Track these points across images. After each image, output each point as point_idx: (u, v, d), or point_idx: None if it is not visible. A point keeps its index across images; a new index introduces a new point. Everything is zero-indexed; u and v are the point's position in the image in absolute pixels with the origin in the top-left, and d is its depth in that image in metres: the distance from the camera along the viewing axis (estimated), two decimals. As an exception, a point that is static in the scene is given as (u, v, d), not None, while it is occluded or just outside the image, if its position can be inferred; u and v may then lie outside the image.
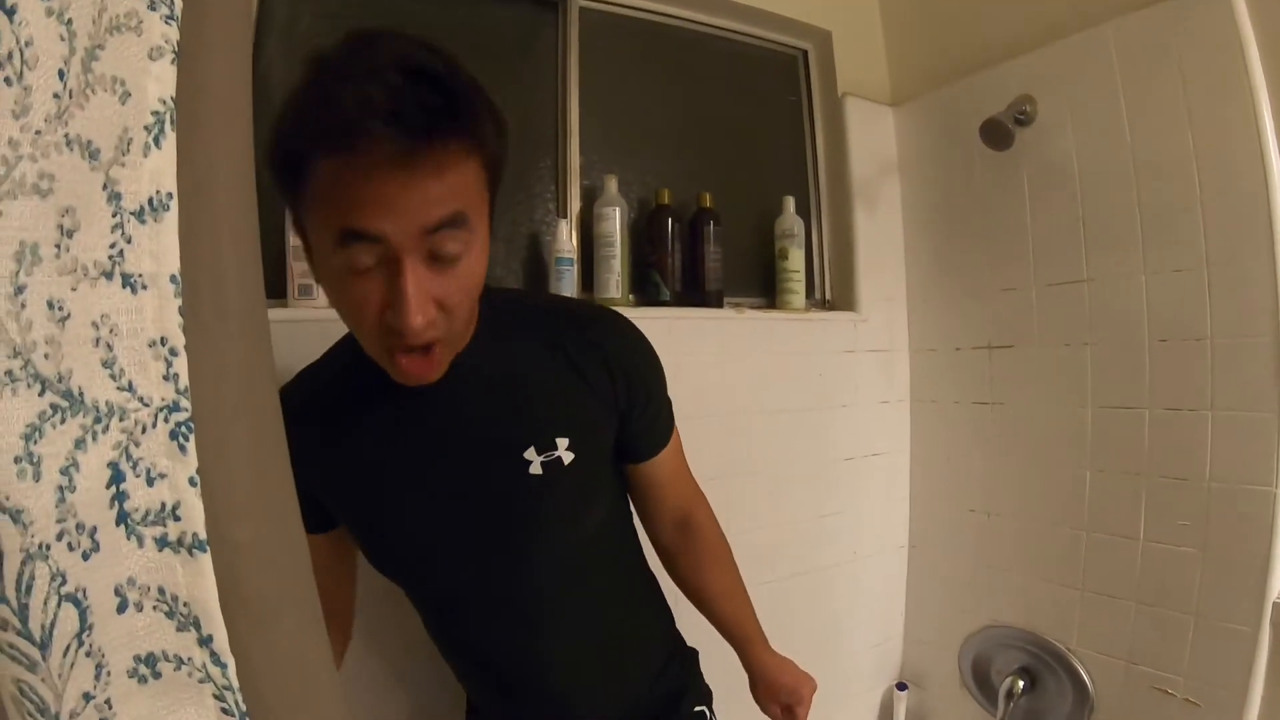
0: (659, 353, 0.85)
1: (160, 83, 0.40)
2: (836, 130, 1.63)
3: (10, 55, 0.33)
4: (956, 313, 1.62)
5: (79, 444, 0.37)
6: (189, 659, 0.39)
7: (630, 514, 0.94)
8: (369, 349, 0.67)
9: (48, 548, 0.35)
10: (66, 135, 0.36)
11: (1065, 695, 1.40)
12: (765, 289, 1.57)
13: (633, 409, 0.81)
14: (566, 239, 1.27)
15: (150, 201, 0.40)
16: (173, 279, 0.40)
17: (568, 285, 1.27)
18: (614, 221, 1.30)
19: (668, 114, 1.50)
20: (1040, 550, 1.47)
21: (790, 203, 1.53)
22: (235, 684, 0.40)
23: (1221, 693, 1.22)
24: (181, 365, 0.40)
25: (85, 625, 0.36)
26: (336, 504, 0.81)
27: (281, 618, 0.43)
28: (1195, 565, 1.25)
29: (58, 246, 0.36)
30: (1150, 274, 1.28)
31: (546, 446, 0.75)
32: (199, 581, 0.39)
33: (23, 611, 0.34)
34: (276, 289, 1.14)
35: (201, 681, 0.39)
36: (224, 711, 0.40)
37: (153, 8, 0.40)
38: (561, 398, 0.77)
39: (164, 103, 0.40)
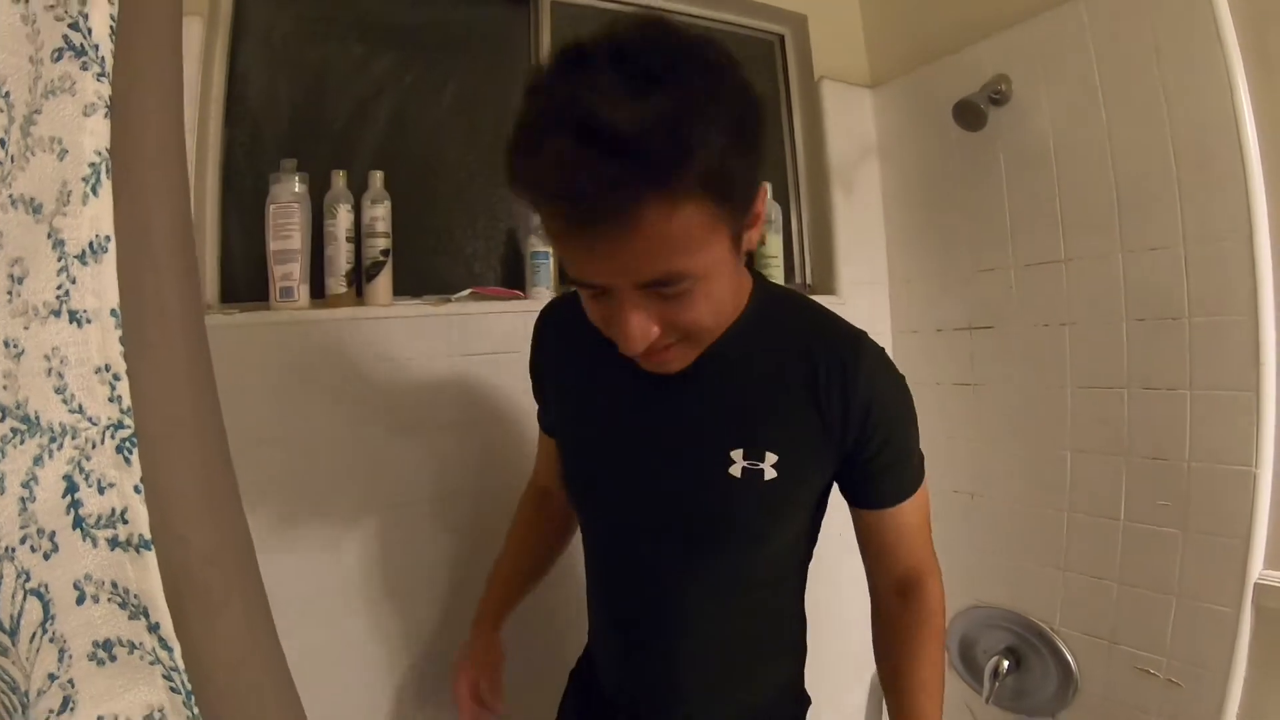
0: None
1: (95, 136, 0.47)
2: (813, 114, 1.67)
3: (-46, 134, 0.39)
4: (937, 294, 1.66)
5: (37, 460, 0.44)
6: (140, 644, 0.47)
7: (809, 554, 0.93)
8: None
9: (13, 550, 0.42)
10: (10, 196, 0.43)
11: (1050, 675, 1.46)
12: (747, 275, 1.62)
13: (862, 448, 0.79)
14: (541, 234, 1.33)
15: (91, 245, 0.47)
16: (113, 313, 0.47)
17: (544, 278, 1.33)
18: (587, 215, 1.35)
19: (644, 104, 1.54)
20: (1023, 531, 1.52)
21: (766, 189, 1.56)
22: (181, 665, 0.47)
23: (1203, 674, 1.26)
24: (124, 388, 0.47)
25: (48, 615, 0.44)
26: (556, 415, 0.94)
27: (229, 606, 0.50)
28: (1176, 546, 1.28)
29: (9, 293, 0.43)
30: (1127, 252, 1.31)
31: (754, 455, 0.77)
32: (146, 575, 0.46)
33: (-9, 605, 0.41)
34: (259, 292, 1.21)
35: (152, 663, 0.47)
36: (171, 690, 0.47)
37: (85, 67, 0.46)
38: (789, 415, 0.78)
39: (99, 154, 0.47)
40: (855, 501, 0.85)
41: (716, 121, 0.57)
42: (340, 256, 1.24)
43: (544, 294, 1.33)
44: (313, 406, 1.16)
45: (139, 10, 0.48)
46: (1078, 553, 1.43)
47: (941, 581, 0.90)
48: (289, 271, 1.21)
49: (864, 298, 1.70)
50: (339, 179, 1.24)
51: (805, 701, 0.98)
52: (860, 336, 0.81)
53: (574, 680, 1.05)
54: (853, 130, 1.69)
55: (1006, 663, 1.51)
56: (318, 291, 1.24)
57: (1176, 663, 1.30)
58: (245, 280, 1.23)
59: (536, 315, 0.97)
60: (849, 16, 1.71)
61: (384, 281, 1.26)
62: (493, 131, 1.39)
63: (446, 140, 1.36)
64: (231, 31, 1.18)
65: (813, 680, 0.95)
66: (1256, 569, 1.20)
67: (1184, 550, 1.28)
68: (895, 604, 0.89)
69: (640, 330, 0.65)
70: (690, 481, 0.79)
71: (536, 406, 1.02)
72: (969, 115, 1.34)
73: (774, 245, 1.56)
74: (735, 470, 0.77)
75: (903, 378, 0.83)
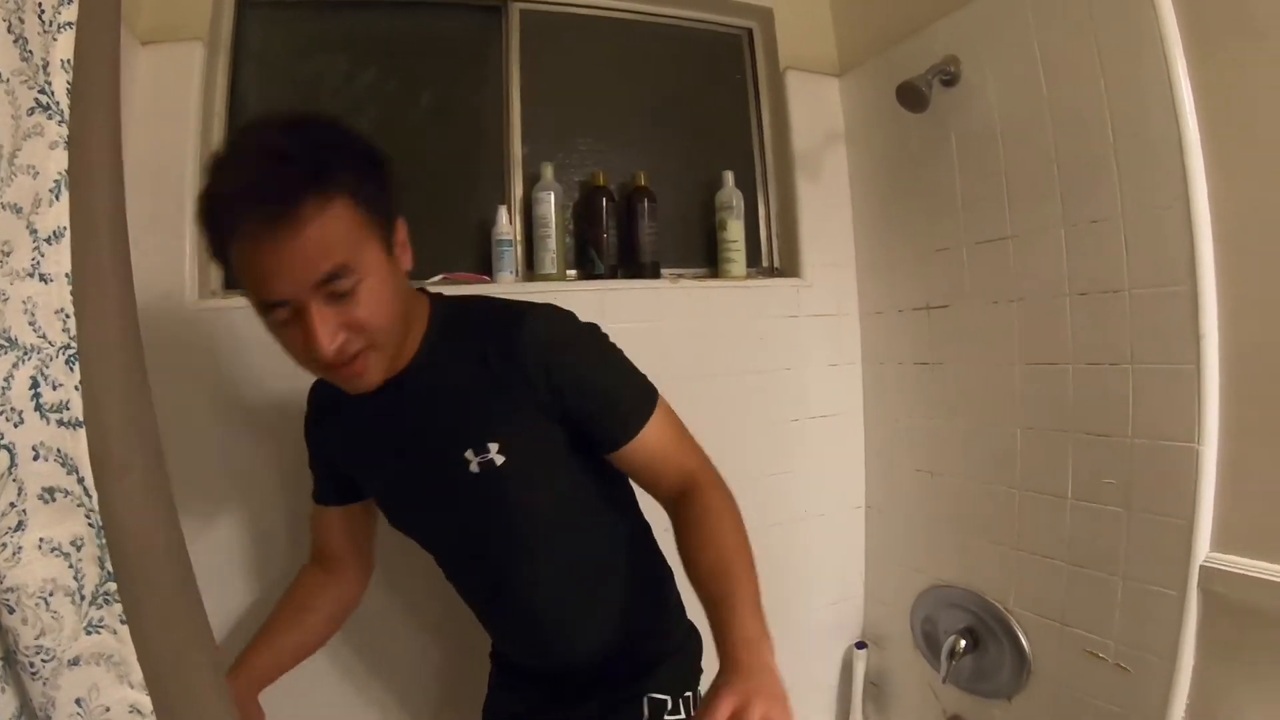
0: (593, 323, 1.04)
1: (57, 162, 0.81)
2: (779, 104, 1.90)
3: (-38, 167, 0.74)
4: (899, 275, 1.84)
5: (15, 365, 0.79)
6: (72, 491, 0.80)
7: (612, 497, 1.12)
8: (319, 375, 0.97)
9: (-6, 419, 0.77)
10: (2, 203, 0.78)
11: (1005, 657, 1.60)
12: (710, 260, 1.88)
13: (567, 408, 0.98)
14: (506, 223, 1.64)
15: (54, 232, 0.81)
16: (67, 275, 0.81)
17: (508, 264, 1.64)
18: (549, 205, 1.66)
19: (613, 101, 1.84)
20: (979, 509, 1.67)
21: (729, 176, 1.83)
22: (97, 509, 0.80)
23: (1151, 659, 1.34)
24: (72, 324, 0.81)
25: (13, 464, 0.78)
26: (358, 477, 1.18)
27: (131, 470, 0.83)
28: (1121, 525, 1.38)
29: (1, 263, 0.78)
30: (1069, 227, 1.44)
31: (481, 450, 0.97)
32: (79, 446, 0.80)
33: (-23, 452, 0.76)
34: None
35: (78, 506, 0.80)
36: (89, 525, 0.80)
37: (50, 117, 0.81)
38: (490, 405, 0.98)
39: (60, 174, 0.81)
40: (598, 450, 1.02)
41: (350, 152, 0.89)
42: (327, 247, 1.59)
43: (508, 278, 1.64)
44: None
45: (86, 77, 0.83)
46: (1029, 532, 1.56)
47: (718, 479, 1.05)
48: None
49: (830, 280, 1.91)
50: (326, 179, 1.60)
51: (681, 632, 1.22)
52: (523, 311, 0.99)
53: (493, 658, 1.32)
54: (819, 118, 1.91)
55: (964, 643, 1.65)
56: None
57: (1124, 647, 1.39)
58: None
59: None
60: (818, 8, 1.92)
61: (365, 268, 1.60)
62: (466, 133, 1.72)
63: (424, 142, 1.69)
64: (231, 53, 1.54)
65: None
66: (1203, 550, 1.28)
67: (1129, 530, 1.37)
68: (679, 507, 1.02)
69: (327, 333, 0.86)
70: (447, 493, 1.02)
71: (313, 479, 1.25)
72: (911, 97, 1.52)
73: (734, 231, 1.80)
74: (474, 468, 0.98)
75: (580, 328, 1.01)
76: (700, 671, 1.22)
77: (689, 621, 1.24)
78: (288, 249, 0.82)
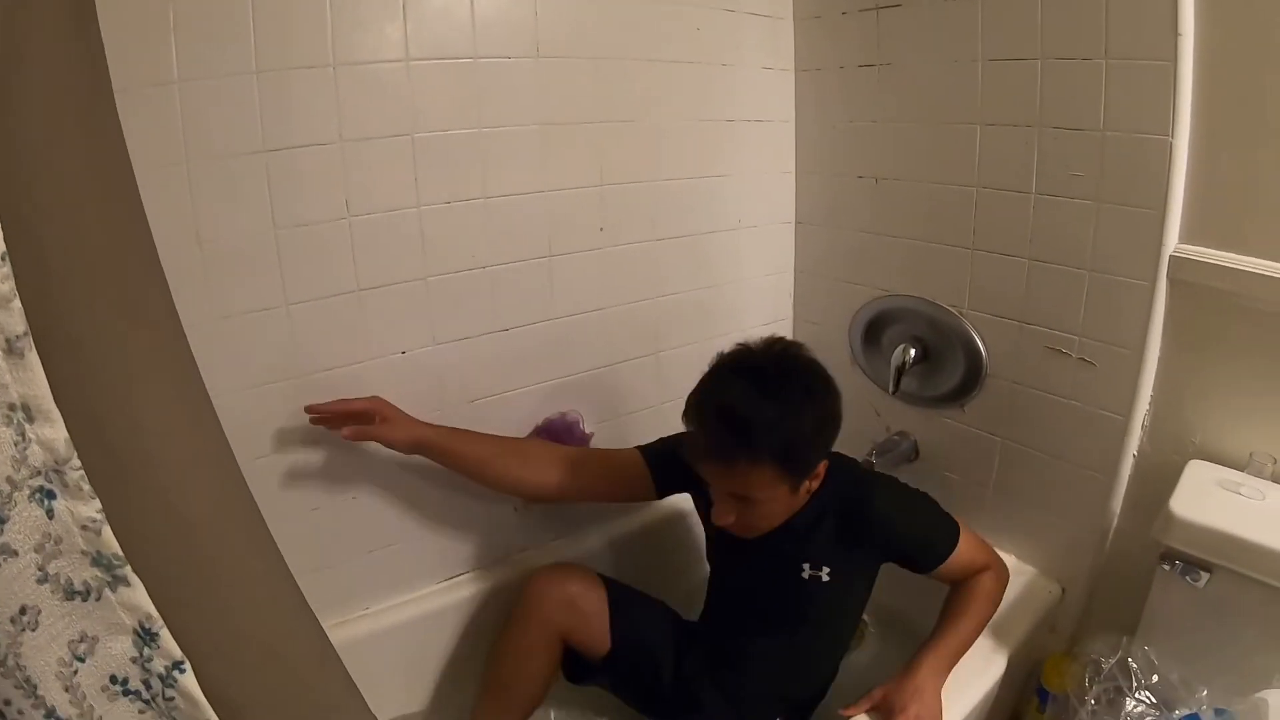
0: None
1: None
2: None
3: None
4: None
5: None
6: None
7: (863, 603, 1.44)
8: None
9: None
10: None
11: (958, 361, 1.58)
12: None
13: (896, 554, 1.35)
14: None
15: None
16: None
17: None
18: None
19: None
20: (930, 212, 1.60)
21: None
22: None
23: (1117, 351, 1.38)
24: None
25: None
26: (705, 516, 1.40)
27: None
28: (1089, 218, 1.34)
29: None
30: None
31: (815, 569, 1.33)
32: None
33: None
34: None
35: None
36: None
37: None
38: (834, 551, 1.32)
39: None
40: (915, 572, 1.37)
41: (799, 427, 1.14)
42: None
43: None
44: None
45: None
46: (986, 230, 1.51)
47: (999, 571, 1.40)
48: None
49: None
50: None
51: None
52: (869, 491, 1.34)
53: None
54: None
55: (913, 351, 1.62)
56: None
57: (1089, 341, 1.41)
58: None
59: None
60: None
61: None
62: None
63: None
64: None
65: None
66: (1172, 241, 1.29)
67: (1097, 222, 1.35)
68: (954, 591, 1.39)
69: (722, 514, 1.23)
70: (782, 579, 1.36)
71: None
72: None
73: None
74: (805, 576, 1.34)
75: (911, 496, 1.37)
76: None
77: None
78: (718, 472, 1.19)
